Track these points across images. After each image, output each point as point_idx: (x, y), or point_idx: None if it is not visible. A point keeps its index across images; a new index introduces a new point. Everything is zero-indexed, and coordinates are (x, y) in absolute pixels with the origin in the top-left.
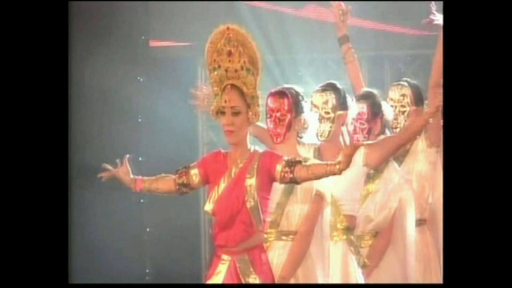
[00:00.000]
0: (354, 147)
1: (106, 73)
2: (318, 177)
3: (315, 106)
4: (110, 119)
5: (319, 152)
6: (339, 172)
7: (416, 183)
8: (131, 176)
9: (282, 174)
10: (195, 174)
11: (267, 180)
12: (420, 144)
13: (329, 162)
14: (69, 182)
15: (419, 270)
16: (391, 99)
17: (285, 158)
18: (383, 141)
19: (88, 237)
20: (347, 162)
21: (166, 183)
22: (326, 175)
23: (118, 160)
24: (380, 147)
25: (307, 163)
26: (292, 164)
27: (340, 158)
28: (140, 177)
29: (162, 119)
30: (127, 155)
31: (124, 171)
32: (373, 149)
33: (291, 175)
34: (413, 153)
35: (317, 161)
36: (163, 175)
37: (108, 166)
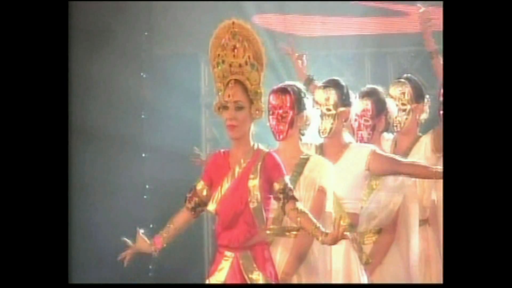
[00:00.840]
0: (342, 234)
1: (109, 69)
2: (302, 228)
3: (317, 103)
4: (113, 116)
5: (321, 150)
6: (321, 242)
7: (418, 185)
8: (149, 242)
9: (276, 195)
10: (202, 188)
11: (269, 181)
12: (425, 147)
13: (318, 225)
14: (71, 179)
15: (420, 268)
16: (392, 97)
17: (286, 179)
18: (391, 159)
19: (89, 234)
20: (333, 241)
21: (181, 217)
22: (310, 233)
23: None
24: (384, 162)
25: (300, 208)
26: (287, 196)
27: (329, 231)
28: (156, 236)
29: (165, 115)
30: (141, 231)
31: (143, 244)
32: (378, 159)
33: (281, 205)
34: (416, 153)
35: (308, 214)
36: (175, 215)
37: (129, 242)
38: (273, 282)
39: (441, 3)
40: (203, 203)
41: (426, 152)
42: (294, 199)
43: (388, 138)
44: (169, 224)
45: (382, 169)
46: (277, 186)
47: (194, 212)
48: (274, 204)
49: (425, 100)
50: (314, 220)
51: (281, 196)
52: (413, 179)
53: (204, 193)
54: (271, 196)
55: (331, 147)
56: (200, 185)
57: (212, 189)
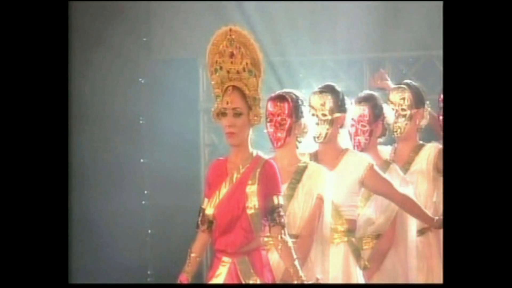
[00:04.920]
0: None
1: (107, 74)
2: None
3: (313, 108)
4: (112, 121)
5: (316, 157)
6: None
7: (419, 195)
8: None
9: (271, 212)
10: (208, 205)
11: (266, 191)
12: (427, 159)
13: (296, 264)
14: (70, 183)
15: (421, 275)
16: (391, 102)
17: (280, 200)
18: (386, 185)
19: (89, 239)
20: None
21: (199, 242)
22: (286, 266)
23: None
24: (379, 184)
25: (285, 239)
26: (275, 219)
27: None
28: (181, 275)
29: (164, 121)
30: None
31: None
32: (373, 178)
33: (268, 223)
34: (419, 163)
35: (291, 250)
36: (193, 244)
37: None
38: None
39: (441, 3)
40: (212, 222)
41: (429, 164)
42: (282, 225)
43: (386, 148)
44: (191, 253)
45: (375, 189)
46: (270, 204)
47: (210, 231)
48: None
49: (425, 106)
50: (294, 257)
51: (271, 217)
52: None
53: (210, 208)
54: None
55: (327, 154)
56: (205, 203)
57: (211, 195)
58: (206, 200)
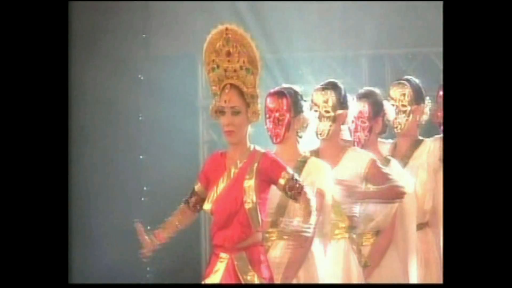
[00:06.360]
0: None
1: (106, 71)
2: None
3: (315, 104)
4: (111, 118)
5: (317, 154)
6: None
7: (418, 189)
8: (147, 238)
9: (284, 191)
10: (200, 189)
11: (266, 182)
12: (428, 151)
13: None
14: (70, 181)
15: (420, 270)
16: (392, 98)
17: (289, 171)
18: (387, 178)
19: (88, 237)
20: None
21: (182, 214)
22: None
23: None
24: (381, 178)
25: (304, 194)
26: (297, 187)
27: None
28: (155, 231)
29: (163, 118)
30: (138, 223)
31: (146, 242)
32: (376, 172)
33: (293, 197)
34: (419, 157)
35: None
36: (174, 214)
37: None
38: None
39: (441, 3)
40: (202, 201)
41: (429, 157)
42: (300, 192)
43: (388, 142)
44: (170, 221)
45: (377, 182)
46: (282, 181)
47: (195, 209)
48: (271, 209)
49: (426, 101)
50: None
51: (286, 193)
52: (411, 183)
53: (201, 192)
54: (268, 198)
55: (328, 150)
56: (197, 186)
57: (209, 189)
58: (198, 183)
